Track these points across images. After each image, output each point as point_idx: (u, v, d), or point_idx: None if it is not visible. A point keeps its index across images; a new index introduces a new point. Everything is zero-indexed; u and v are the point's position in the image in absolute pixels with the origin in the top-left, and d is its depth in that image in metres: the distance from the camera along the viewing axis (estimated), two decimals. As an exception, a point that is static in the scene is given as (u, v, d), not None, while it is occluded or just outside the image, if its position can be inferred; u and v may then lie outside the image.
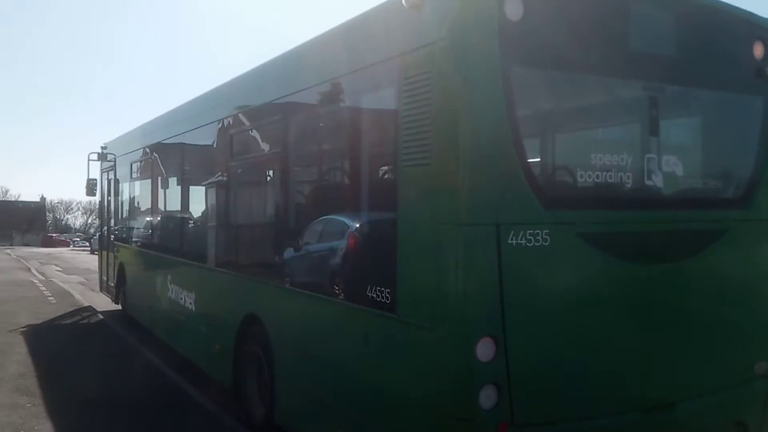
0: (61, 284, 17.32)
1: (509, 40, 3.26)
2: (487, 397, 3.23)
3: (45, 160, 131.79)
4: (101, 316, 11.52)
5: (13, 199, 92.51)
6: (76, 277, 20.44)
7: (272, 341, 5.10)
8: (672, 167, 3.89)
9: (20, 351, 8.40)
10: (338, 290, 4.31)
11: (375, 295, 3.81)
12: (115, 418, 5.74)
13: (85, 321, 11.38)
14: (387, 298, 3.69)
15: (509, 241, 3.23)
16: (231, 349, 5.80)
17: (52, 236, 68.76)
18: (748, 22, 4.23)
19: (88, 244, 48.94)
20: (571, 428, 3.48)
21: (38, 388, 6.66)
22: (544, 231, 3.32)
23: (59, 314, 11.70)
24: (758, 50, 4.15)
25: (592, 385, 3.55)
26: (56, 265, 27.61)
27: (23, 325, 10.24)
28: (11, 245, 59.95)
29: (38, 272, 22.96)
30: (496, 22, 3.23)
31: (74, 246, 52.61)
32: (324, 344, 4.45)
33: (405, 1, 3.46)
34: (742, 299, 4.12)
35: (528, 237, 3.28)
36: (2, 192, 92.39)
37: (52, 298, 13.90)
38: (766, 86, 4.18)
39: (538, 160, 3.77)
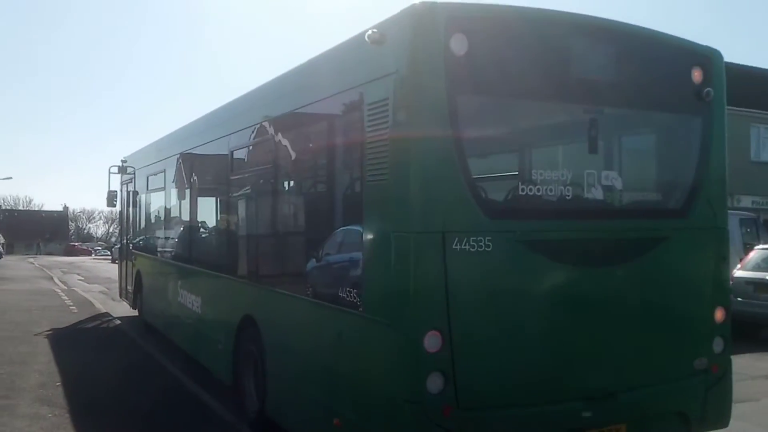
0: (83, 293, 18.18)
1: (454, 72, 3.90)
2: (433, 383, 3.83)
3: (68, 170, 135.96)
4: (119, 322, 12.43)
5: (36, 209, 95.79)
6: (97, 287, 21.37)
7: (264, 340, 5.80)
8: (612, 181, 4.48)
9: (42, 360, 8.77)
10: (317, 293, 4.97)
11: (346, 296, 4.47)
12: (132, 426, 6.06)
13: (104, 326, 12.17)
14: (355, 299, 4.35)
15: (453, 247, 3.86)
16: (231, 349, 6.52)
17: (74, 245, 71.03)
18: (686, 49, 4.83)
19: (109, 253, 50.75)
20: (512, 413, 4.06)
21: (60, 398, 6.87)
22: (487, 238, 3.93)
23: (80, 322, 12.38)
24: (697, 75, 4.73)
25: (532, 374, 4.14)
26: (78, 274, 28.83)
27: (45, 335, 10.73)
28: (36, 254, 62.17)
29: (60, 281, 24.05)
30: (442, 57, 3.88)
31: (96, 255, 54.36)
32: (306, 342, 5.12)
33: (368, 37, 4.13)
34: (681, 300, 4.67)
35: (471, 243, 3.90)
36: (26, 201, 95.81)
37: (74, 307, 14.62)
38: (704, 107, 4.75)
39: (483, 176, 4.38)
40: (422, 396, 3.82)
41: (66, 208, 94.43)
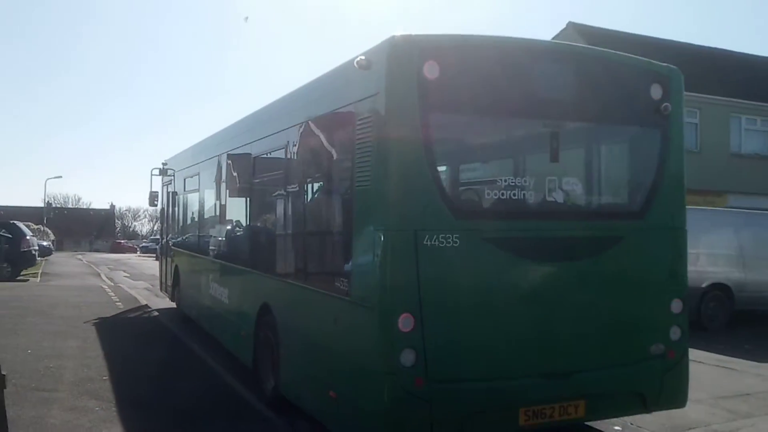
0: (129, 290, 19.24)
1: (427, 93, 4.74)
2: (406, 357, 4.68)
3: (115, 169, 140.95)
4: (157, 313, 13.67)
5: (85, 207, 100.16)
6: (142, 283, 22.45)
7: (278, 325, 6.74)
8: (572, 186, 5.28)
9: (90, 355, 9.17)
10: (318, 282, 5.87)
11: (339, 284, 5.35)
12: (177, 422, 6.40)
13: (148, 321, 13.23)
14: (346, 286, 5.22)
15: (425, 243, 4.70)
16: (251, 334, 7.50)
17: (120, 242, 74.05)
18: (647, 69, 5.57)
19: (155, 246, 53.49)
20: (476, 386, 4.88)
21: (107, 392, 7.24)
22: (455, 235, 4.76)
23: (126, 318, 13.43)
24: (656, 91, 5.46)
25: (495, 353, 4.95)
26: (124, 271, 30.09)
27: (92, 329, 11.43)
28: (86, 251, 65.31)
29: (107, 278, 25.27)
30: (416, 81, 4.72)
31: (141, 252, 56.93)
32: (309, 326, 6.04)
33: (356, 63, 5.00)
34: (638, 293, 5.42)
35: (441, 240, 4.73)
36: (75, 199, 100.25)
37: (120, 303, 15.51)
38: (662, 119, 5.47)
39: (453, 181, 5.20)
40: (397, 368, 4.67)
41: (113, 206, 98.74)
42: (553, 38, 26.67)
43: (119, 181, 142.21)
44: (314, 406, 5.95)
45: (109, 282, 23.01)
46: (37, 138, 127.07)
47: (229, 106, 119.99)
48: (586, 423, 5.87)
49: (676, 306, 5.53)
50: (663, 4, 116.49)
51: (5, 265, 21.55)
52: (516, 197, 5.07)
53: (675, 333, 5.53)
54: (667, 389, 5.52)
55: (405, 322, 4.66)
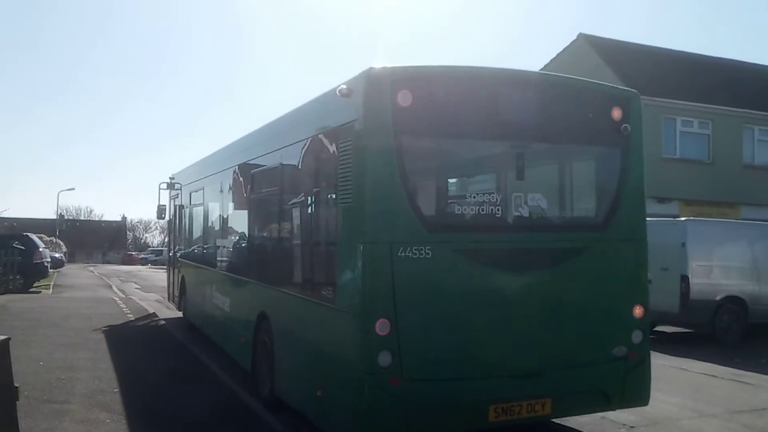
0: (140, 302, 19.72)
1: (400, 119, 5.38)
2: (383, 358, 5.28)
3: (126, 182, 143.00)
4: (163, 323, 14.37)
5: (97, 219, 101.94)
6: (153, 295, 22.82)
7: (274, 332, 7.40)
8: (537, 202, 5.89)
9: (100, 366, 9.45)
10: (308, 291, 6.51)
11: (326, 293, 6.00)
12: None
13: (160, 332, 13.76)
14: (332, 294, 5.86)
15: (399, 254, 5.32)
16: (250, 340, 8.16)
17: (131, 254, 75.39)
18: (608, 93, 6.19)
19: (154, 260, 55.40)
20: (448, 385, 5.48)
21: (117, 404, 7.45)
22: (427, 247, 5.39)
23: (136, 328, 14.09)
24: (616, 114, 6.08)
25: (465, 355, 5.55)
26: (135, 283, 30.65)
27: (104, 341, 11.79)
28: (98, 263, 66.69)
29: (118, 289, 25.83)
30: (390, 108, 5.36)
31: (151, 265, 58.16)
32: (300, 331, 6.68)
33: (338, 91, 5.66)
34: (601, 299, 6.01)
35: (414, 251, 5.36)
36: (87, 211, 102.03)
37: (131, 315, 15.95)
38: (622, 139, 6.08)
39: (425, 198, 5.82)
40: (375, 369, 5.28)
41: (124, 218, 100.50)
42: (564, 49, 27.28)
43: (131, 193, 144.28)
44: (304, 405, 6.58)
45: (120, 294, 23.59)
46: (51, 150, 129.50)
47: (243, 116, 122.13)
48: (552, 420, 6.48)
49: (638, 311, 6.11)
50: (675, 16, 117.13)
51: (18, 276, 22.14)
52: (484, 212, 5.70)
53: (637, 336, 6.10)
54: (629, 389, 6.10)
55: (382, 327, 5.27)
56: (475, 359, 5.59)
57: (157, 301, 20.65)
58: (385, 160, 5.37)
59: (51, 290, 24.00)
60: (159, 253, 69.46)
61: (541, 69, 28.11)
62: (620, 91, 6.25)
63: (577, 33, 27.21)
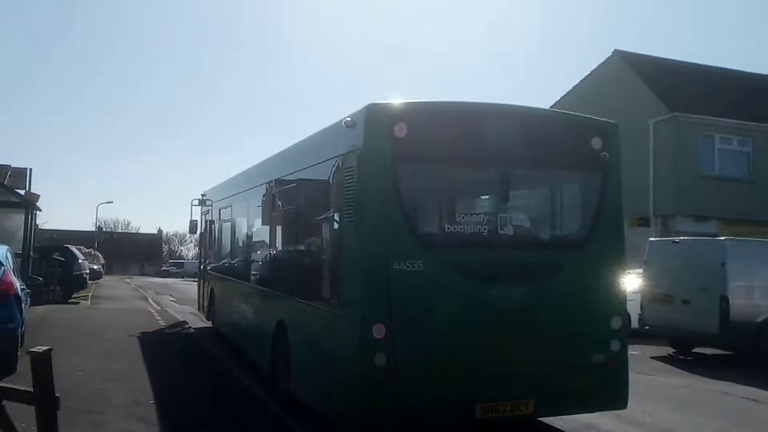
0: (175, 314, 20.56)
1: (397, 148, 6.34)
2: (379, 359, 6.19)
3: (163, 195, 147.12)
4: (201, 339, 15.10)
5: (133, 231, 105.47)
6: (188, 308, 23.42)
7: (289, 337, 8.39)
8: (521, 222, 6.79)
9: (137, 378, 9.89)
10: (318, 300, 7.49)
11: (332, 301, 6.96)
12: None
13: (191, 343, 14.51)
14: (337, 302, 6.83)
15: (394, 267, 6.25)
16: (270, 345, 9.18)
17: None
18: (588, 124, 7.09)
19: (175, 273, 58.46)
20: (438, 384, 6.35)
21: (152, 416, 7.78)
22: (419, 261, 6.31)
23: (169, 339, 14.94)
24: (596, 142, 6.95)
25: (454, 358, 6.43)
26: (170, 296, 31.90)
27: (139, 352, 12.39)
28: (134, 275, 69.18)
29: (154, 302, 26.98)
30: (388, 138, 6.33)
31: (168, 274, 61.06)
32: (311, 335, 7.65)
33: (344, 123, 6.66)
34: (580, 310, 6.83)
35: (408, 264, 6.28)
36: (124, 224, 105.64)
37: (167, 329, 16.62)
38: (601, 165, 6.94)
39: (418, 217, 6.75)
40: (372, 368, 6.18)
41: (160, 230, 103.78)
42: (599, 66, 27.78)
43: (167, 207, 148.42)
44: (313, 402, 7.54)
45: (156, 306, 24.65)
46: (90, 164, 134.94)
47: (278, 133, 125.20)
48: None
49: (616, 322, 6.93)
50: (710, 31, 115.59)
51: (58, 287, 23.46)
52: (472, 231, 6.62)
53: (615, 345, 6.92)
54: (607, 393, 6.91)
55: (378, 331, 6.19)
56: (462, 362, 6.46)
57: (192, 314, 21.28)
58: (382, 183, 6.32)
59: (89, 301, 25.09)
60: (180, 265, 72.08)
61: (575, 86, 28.90)
62: (600, 123, 7.15)
63: (612, 50, 27.77)
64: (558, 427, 7.79)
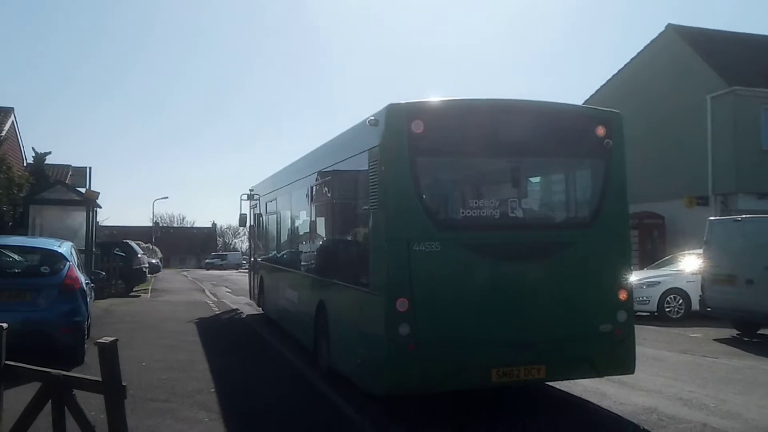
0: (231, 305, 21.97)
1: (414, 143, 7.37)
2: (403, 329, 7.23)
3: (216, 189, 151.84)
4: (256, 327, 15.90)
5: (188, 225, 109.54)
6: (243, 299, 24.30)
7: (329, 315, 9.57)
8: (530, 205, 7.74)
9: (197, 368, 10.42)
10: (351, 280, 8.62)
11: (363, 280, 8.07)
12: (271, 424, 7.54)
13: (247, 332, 15.45)
14: (366, 281, 7.93)
15: (414, 248, 7.30)
16: (312, 325, 10.39)
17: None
18: (593, 114, 8.00)
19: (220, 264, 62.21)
20: (456, 351, 7.37)
21: (214, 403, 8.23)
22: (437, 243, 7.34)
23: (226, 328, 16.04)
24: (600, 131, 7.85)
25: (470, 327, 7.43)
26: (226, 287, 33.69)
27: (198, 339, 13.37)
28: (191, 267, 72.13)
29: (211, 293, 28.64)
30: (406, 134, 7.37)
31: (212, 266, 63.74)
32: (348, 313, 8.78)
33: (368, 122, 7.75)
34: (589, 284, 7.75)
35: (426, 246, 7.32)
36: (180, 219, 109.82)
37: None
38: (606, 152, 7.84)
39: (435, 204, 7.78)
40: (397, 337, 7.24)
41: (214, 224, 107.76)
42: (652, 42, 27.93)
43: (221, 200, 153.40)
44: (349, 370, 8.68)
45: (213, 297, 26.15)
46: (146, 161, 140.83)
47: (325, 124, 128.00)
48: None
49: (623, 295, 7.81)
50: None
51: (120, 282, 25.16)
52: (485, 215, 7.61)
53: (622, 315, 7.80)
54: (615, 360, 7.82)
55: (401, 304, 7.23)
56: (479, 331, 7.44)
57: (248, 304, 21.92)
58: (402, 174, 7.38)
59: (149, 294, 26.84)
60: (223, 257, 74.38)
61: (629, 63, 29.13)
62: (604, 112, 8.06)
63: (666, 24, 27.88)
64: (617, 412, 8.09)
